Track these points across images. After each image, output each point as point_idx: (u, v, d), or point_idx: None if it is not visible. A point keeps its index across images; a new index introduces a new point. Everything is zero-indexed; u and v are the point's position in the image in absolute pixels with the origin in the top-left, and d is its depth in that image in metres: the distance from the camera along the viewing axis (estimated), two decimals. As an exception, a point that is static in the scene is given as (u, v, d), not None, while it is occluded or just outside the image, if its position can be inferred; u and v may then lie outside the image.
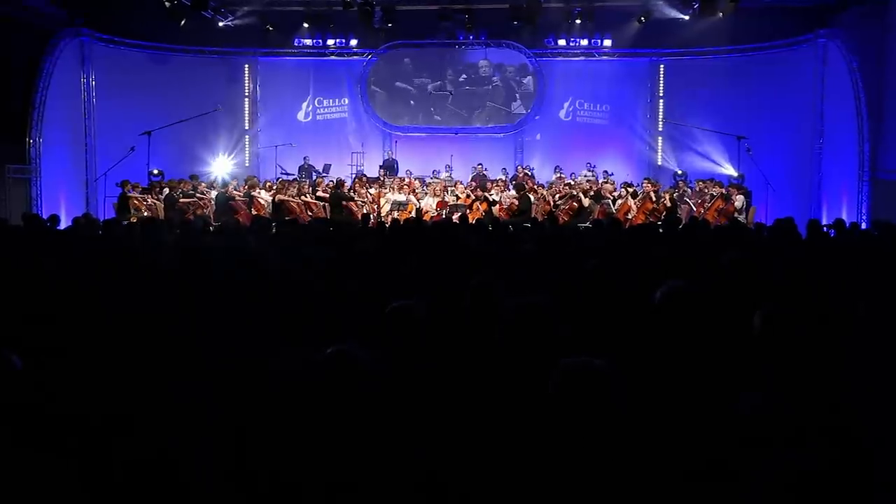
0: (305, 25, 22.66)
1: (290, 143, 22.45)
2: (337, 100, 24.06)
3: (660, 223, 15.30)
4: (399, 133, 23.74)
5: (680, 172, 21.84)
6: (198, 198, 18.26)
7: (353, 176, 21.36)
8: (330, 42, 23.19)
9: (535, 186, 19.90)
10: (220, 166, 22.55)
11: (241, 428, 3.34)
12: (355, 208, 18.28)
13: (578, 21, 22.18)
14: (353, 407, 2.92)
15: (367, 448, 2.90)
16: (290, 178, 21.18)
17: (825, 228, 12.50)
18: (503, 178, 21.36)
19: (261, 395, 3.56)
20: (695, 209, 18.28)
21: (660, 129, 23.02)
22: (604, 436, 2.65)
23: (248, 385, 3.70)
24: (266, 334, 4.33)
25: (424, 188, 20.57)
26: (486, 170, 22.18)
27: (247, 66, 23.58)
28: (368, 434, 2.92)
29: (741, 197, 17.94)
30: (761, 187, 18.91)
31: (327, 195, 18.77)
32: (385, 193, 19.67)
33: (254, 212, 17.76)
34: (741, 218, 17.25)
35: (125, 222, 14.10)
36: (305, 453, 2.92)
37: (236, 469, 3.07)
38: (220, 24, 21.96)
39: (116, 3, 21.02)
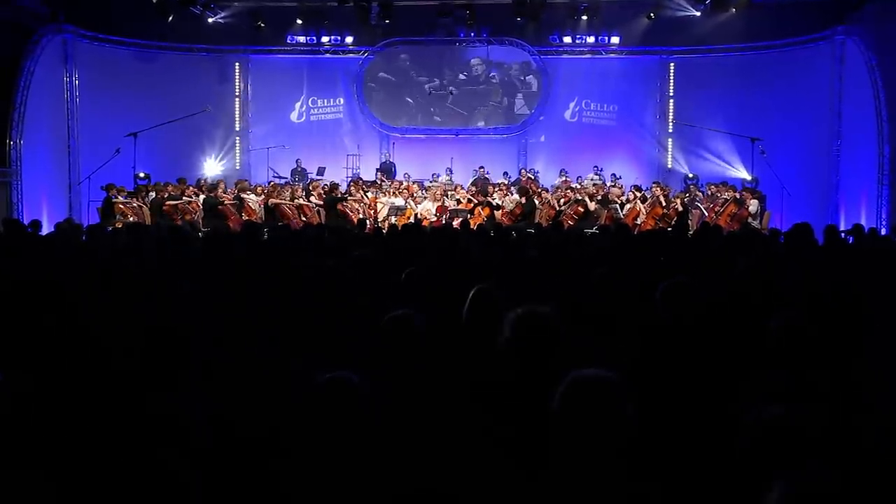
0: (299, 22, 22.67)
1: (282, 144, 22.47)
2: (332, 100, 24.08)
3: (670, 229, 15.30)
4: (397, 134, 23.74)
5: (691, 176, 21.87)
6: (186, 202, 18.28)
7: (349, 179, 21.39)
8: (325, 39, 23.19)
9: (540, 190, 19.92)
10: (210, 169, 22.56)
11: (232, 451, 3.35)
12: (351, 213, 18.29)
13: (584, 17, 22.18)
14: (349, 438, 2.93)
15: (363, 477, 2.91)
16: (283, 181, 21.22)
17: (843, 234, 12.50)
18: (505, 181, 21.37)
19: (253, 420, 3.56)
20: (707, 214, 18.29)
21: (670, 131, 23.02)
22: (612, 451, 2.66)
23: (239, 406, 3.70)
24: (258, 346, 4.33)
25: (423, 192, 20.60)
26: (487, 173, 22.19)
27: (237, 64, 23.58)
28: (364, 463, 2.93)
29: (755, 201, 17.97)
30: (776, 191, 18.93)
31: (321, 199, 18.78)
32: (382, 198, 19.69)
33: (244, 216, 17.77)
34: (755, 223, 17.28)
35: (110, 228, 14.10)
36: (299, 482, 2.93)
37: (227, 495, 3.08)
38: (210, 20, 21.99)
39: (101, -1, 21.08)
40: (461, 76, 23.80)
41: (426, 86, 23.79)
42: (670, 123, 22.96)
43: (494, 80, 23.78)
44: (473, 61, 23.75)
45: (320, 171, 22.28)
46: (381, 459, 3.02)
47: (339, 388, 2.99)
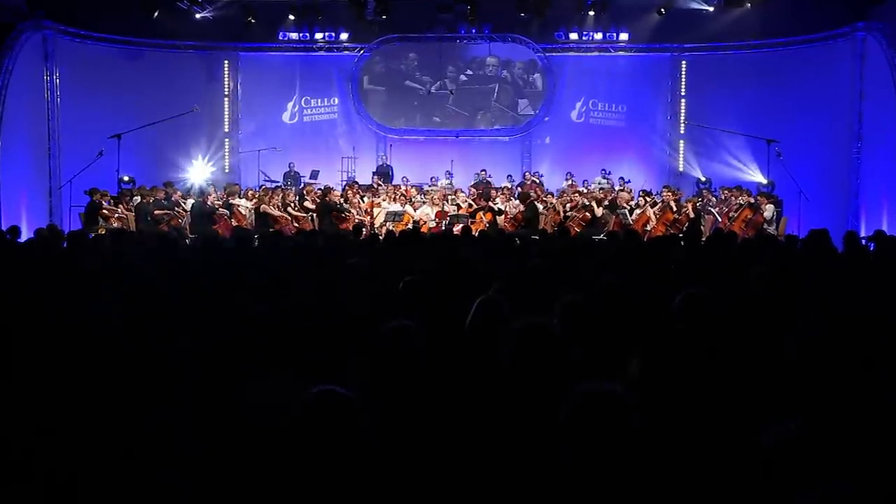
0: (291, 17, 22.71)
1: (274, 147, 22.47)
2: (326, 99, 24.11)
3: (681, 235, 15.30)
4: (394, 136, 23.77)
5: (704, 179, 21.87)
6: (174, 208, 18.26)
7: (344, 183, 21.37)
8: (318, 36, 23.22)
9: (544, 195, 19.92)
10: (198, 172, 22.55)
11: (220, 465, 3.36)
12: (346, 218, 18.29)
13: (592, 13, 22.22)
14: (340, 454, 2.93)
15: (355, 496, 2.91)
16: (275, 185, 21.19)
17: (864, 241, 12.50)
18: (509, 185, 21.38)
19: (243, 434, 3.57)
20: (720, 220, 18.30)
21: (681, 132, 23.04)
22: (620, 469, 2.66)
23: (226, 422, 3.71)
24: (248, 359, 4.34)
25: (422, 197, 20.59)
26: (489, 176, 22.20)
27: (227, 62, 23.61)
28: (358, 482, 2.93)
29: (771, 206, 17.96)
30: (793, 196, 18.91)
31: (315, 204, 18.78)
32: (379, 203, 19.69)
33: (234, 223, 17.77)
34: (771, 229, 17.28)
35: (92, 234, 14.11)
36: (289, 499, 2.93)
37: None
38: (198, 15, 22.01)
39: (83, -7, 21.09)
40: (462, 75, 23.81)
41: (426, 85, 23.80)
42: (682, 124, 22.98)
43: (508, 80, 23.79)
44: (489, 60, 23.77)
45: (314, 175, 22.30)
46: (375, 477, 3.03)
47: (328, 402, 2.98)
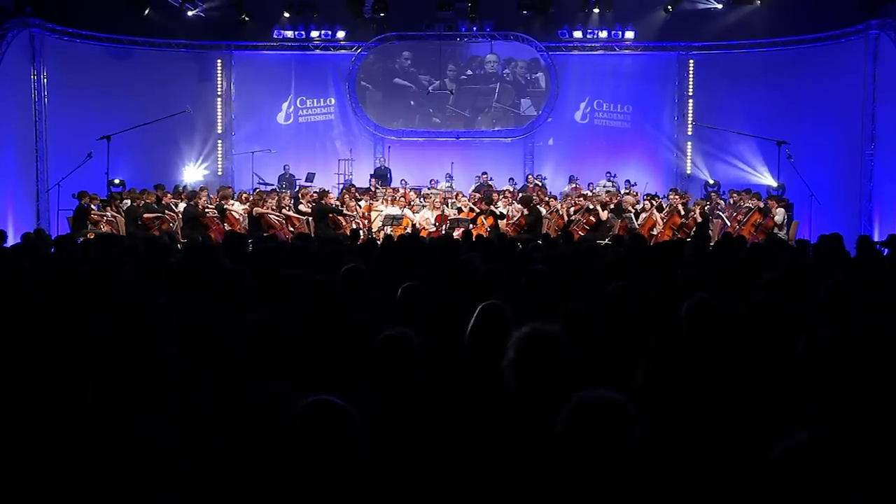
0: (286, 15, 22.73)
1: (268, 148, 22.46)
2: (322, 99, 24.10)
3: (689, 240, 15.29)
4: (392, 137, 23.78)
5: (712, 182, 21.87)
6: (164, 212, 18.25)
7: (341, 186, 21.36)
8: (314, 34, 23.22)
9: (548, 198, 19.91)
10: (190, 175, 22.54)
11: (209, 478, 3.35)
12: (343, 223, 18.28)
13: (597, 10, 22.27)
14: (334, 466, 2.92)
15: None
16: (269, 188, 21.17)
17: (877, 246, 12.49)
18: (511, 188, 21.35)
19: (233, 446, 3.56)
20: (729, 224, 18.28)
21: (689, 133, 23.02)
22: (619, 477, 2.66)
23: (217, 431, 3.70)
24: (240, 366, 4.33)
25: (421, 200, 20.58)
26: (491, 179, 22.17)
27: (220, 61, 23.59)
28: (353, 493, 2.92)
29: (781, 210, 17.95)
30: (804, 199, 18.90)
31: (310, 208, 18.76)
32: (376, 206, 19.68)
33: (227, 227, 17.75)
34: (781, 234, 17.26)
35: (81, 239, 14.09)
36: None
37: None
38: (190, 13, 22.04)
39: (71, -10, 21.10)
40: (463, 74, 23.81)
41: (425, 85, 23.77)
42: (689, 125, 22.95)
43: (509, 79, 23.78)
44: (490, 58, 23.76)
45: (309, 178, 22.26)
46: (371, 489, 3.02)
47: (323, 412, 2.97)
